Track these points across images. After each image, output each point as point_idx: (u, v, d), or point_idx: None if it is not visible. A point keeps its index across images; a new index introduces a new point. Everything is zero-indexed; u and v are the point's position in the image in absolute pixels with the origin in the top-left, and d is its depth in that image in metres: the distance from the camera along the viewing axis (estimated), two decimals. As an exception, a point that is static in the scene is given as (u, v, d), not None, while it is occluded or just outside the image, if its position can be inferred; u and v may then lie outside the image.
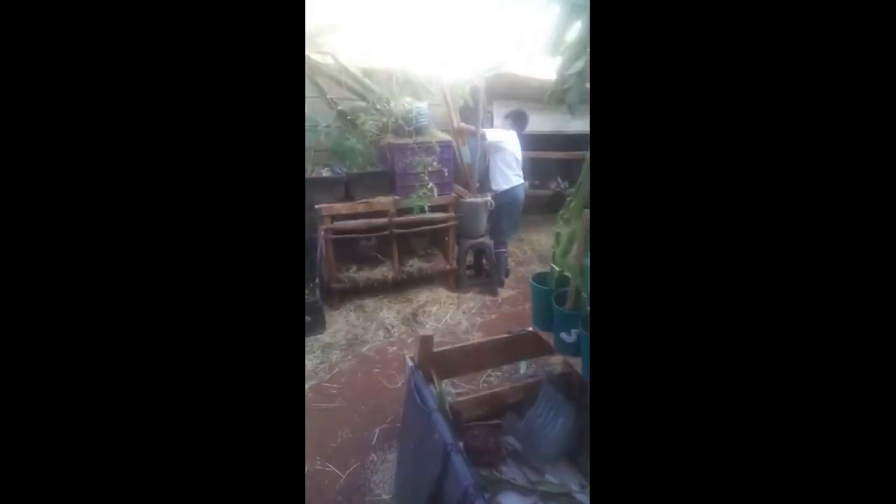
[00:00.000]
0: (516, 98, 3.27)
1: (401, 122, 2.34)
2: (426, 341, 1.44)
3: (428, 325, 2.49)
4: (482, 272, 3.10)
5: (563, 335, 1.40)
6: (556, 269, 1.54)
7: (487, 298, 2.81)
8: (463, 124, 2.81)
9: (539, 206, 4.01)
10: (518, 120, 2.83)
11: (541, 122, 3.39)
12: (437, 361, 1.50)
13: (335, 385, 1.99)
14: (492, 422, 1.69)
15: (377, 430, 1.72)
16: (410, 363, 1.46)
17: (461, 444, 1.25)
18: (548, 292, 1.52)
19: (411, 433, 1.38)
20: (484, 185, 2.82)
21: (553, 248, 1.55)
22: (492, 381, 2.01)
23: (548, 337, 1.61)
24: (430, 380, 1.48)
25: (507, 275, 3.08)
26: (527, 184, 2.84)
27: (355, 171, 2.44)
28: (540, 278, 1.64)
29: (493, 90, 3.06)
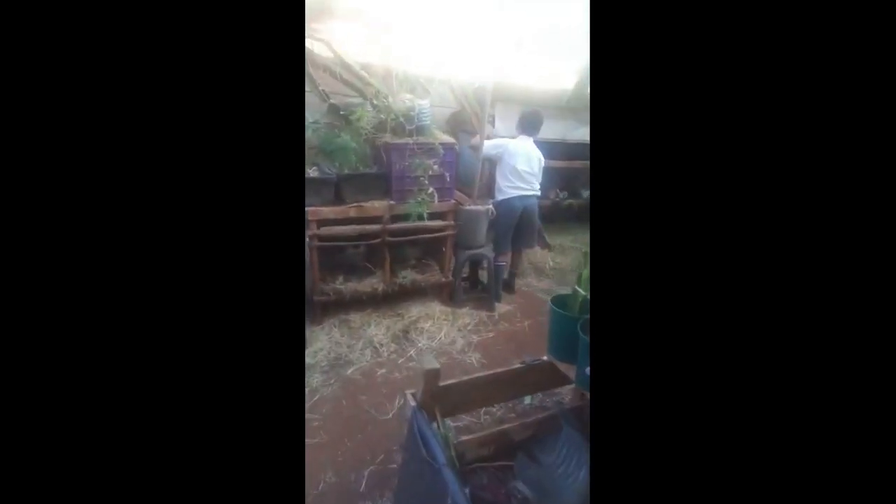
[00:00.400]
0: (520, 103, 3.11)
1: (401, 119, 2.12)
2: (431, 376, 1.22)
3: (420, 344, 2.26)
4: (477, 285, 2.90)
5: (590, 370, 1.20)
6: (581, 292, 1.35)
7: (484, 314, 2.61)
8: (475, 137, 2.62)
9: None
10: (528, 124, 2.59)
11: (542, 130, 3.24)
12: (441, 397, 1.28)
13: (316, 416, 1.74)
14: (499, 463, 1.48)
15: (366, 473, 1.48)
16: (413, 402, 1.23)
17: (467, 490, 1.03)
18: (571, 319, 1.33)
19: (413, 489, 1.15)
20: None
21: (580, 268, 1.36)
22: (494, 412, 1.80)
23: (567, 369, 1.42)
24: (433, 418, 1.26)
25: (511, 290, 2.89)
26: (529, 194, 2.61)
27: (346, 171, 2.20)
28: (560, 301, 1.44)
29: (495, 93, 2.89)
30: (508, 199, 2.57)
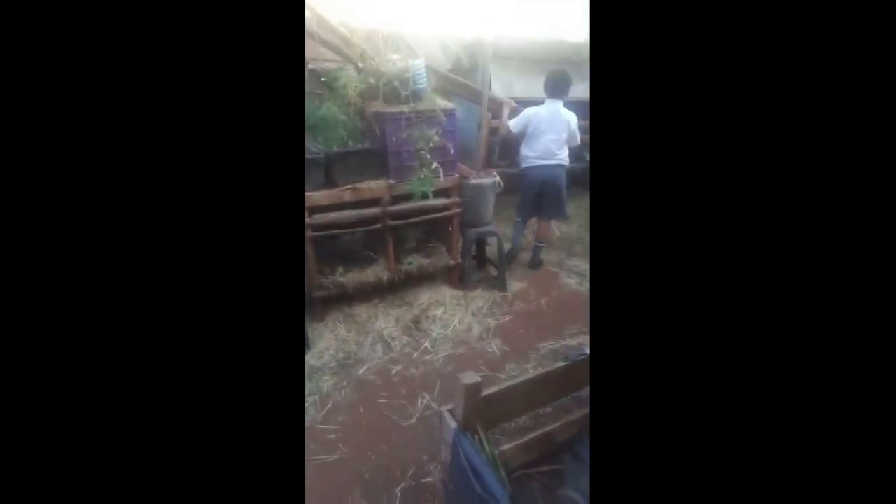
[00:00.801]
0: (519, 59, 2.81)
1: (395, 83, 1.82)
2: (472, 391, 1.04)
3: (434, 334, 2.09)
4: (484, 263, 2.71)
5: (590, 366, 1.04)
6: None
7: (497, 294, 2.44)
8: (502, 98, 2.52)
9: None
10: (554, 85, 2.37)
11: (531, 88, 2.97)
12: (482, 410, 1.11)
13: (332, 426, 1.57)
14: (546, 468, 1.34)
15: (398, 493, 1.33)
16: (452, 423, 1.06)
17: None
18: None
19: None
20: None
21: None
22: (527, 406, 1.65)
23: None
24: (476, 436, 1.09)
25: (538, 266, 2.73)
26: (552, 164, 2.45)
27: (336, 149, 1.92)
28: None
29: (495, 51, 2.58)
30: (528, 169, 2.49)
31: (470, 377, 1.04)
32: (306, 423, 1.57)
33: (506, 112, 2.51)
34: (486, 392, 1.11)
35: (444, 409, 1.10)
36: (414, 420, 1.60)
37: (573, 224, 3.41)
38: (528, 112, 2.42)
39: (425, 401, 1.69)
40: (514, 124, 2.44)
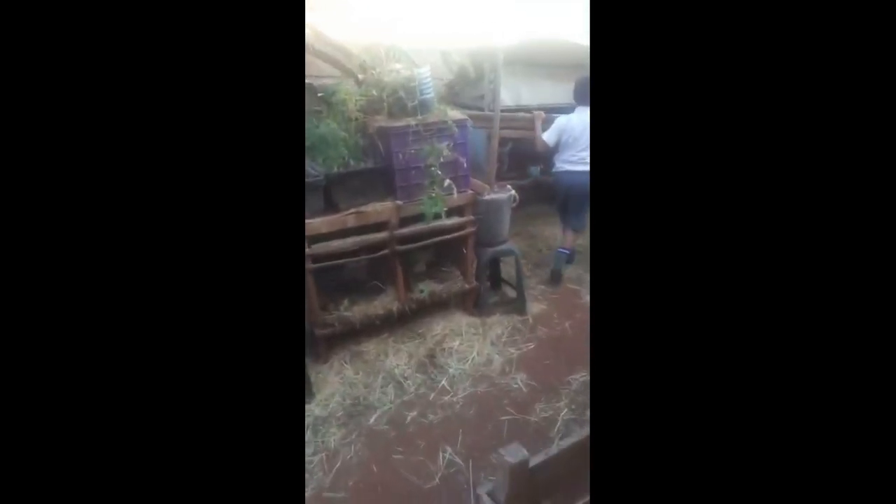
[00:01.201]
0: (528, 64, 2.65)
1: (401, 93, 1.64)
2: (518, 471, 0.82)
3: (451, 370, 1.87)
4: (498, 284, 2.50)
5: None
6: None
7: (516, 319, 2.22)
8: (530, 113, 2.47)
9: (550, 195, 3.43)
10: (584, 92, 2.31)
11: (548, 93, 2.81)
12: (527, 484, 0.89)
13: (341, 494, 1.34)
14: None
15: (424, 582, 1.10)
16: (495, 513, 0.84)
17: None
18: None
19: None
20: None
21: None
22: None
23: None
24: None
25: (558, 281, 2.56)
26: (580, 170, 2.35)
27: (337, 169, 1.73)
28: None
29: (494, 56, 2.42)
30: (557, 174, 2.45)
31: (515, 452, 0.82)
32: (312, 492, 1.34)
33: (538, 125, 2.43)
34: (533, 463, 0.89)
35: (481, 491, 0.88)
36: (436, 481, 1.37)
37: (587, 236, 3.21)
38: (561, 121, 2.35)
39: (447, 455, 1.46)
40: (548, 136, 2.37)
